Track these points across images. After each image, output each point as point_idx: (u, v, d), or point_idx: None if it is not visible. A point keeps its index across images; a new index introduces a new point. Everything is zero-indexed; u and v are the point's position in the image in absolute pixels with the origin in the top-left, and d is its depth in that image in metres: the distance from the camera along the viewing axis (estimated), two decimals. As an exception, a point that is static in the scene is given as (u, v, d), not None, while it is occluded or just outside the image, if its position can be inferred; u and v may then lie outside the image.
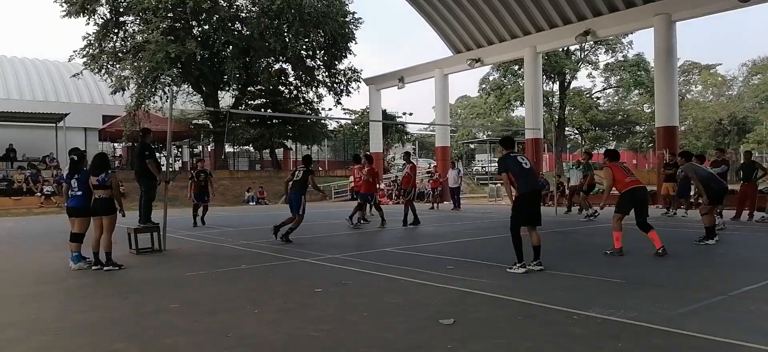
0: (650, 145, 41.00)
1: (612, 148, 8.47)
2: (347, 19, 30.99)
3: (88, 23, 28.20)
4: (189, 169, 15.62)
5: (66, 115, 28.97)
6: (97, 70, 28.58)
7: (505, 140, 7.04)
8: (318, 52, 31.73)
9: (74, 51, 29.44)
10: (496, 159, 40.45)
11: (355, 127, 43.78)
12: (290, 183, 10.34)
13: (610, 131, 47.69)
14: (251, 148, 39.34)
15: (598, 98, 45.14)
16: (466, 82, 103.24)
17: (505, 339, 3.90)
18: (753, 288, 5.34)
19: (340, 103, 33.55)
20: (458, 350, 3.69)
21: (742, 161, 14.22)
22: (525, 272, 6.35)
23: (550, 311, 4.66)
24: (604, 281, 5.91)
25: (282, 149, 40.04)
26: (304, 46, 29.98)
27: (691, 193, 15.10)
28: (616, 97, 46.64)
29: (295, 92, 34.29)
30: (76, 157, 7.60)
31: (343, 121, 44.57)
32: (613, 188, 7.94)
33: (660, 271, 6.61)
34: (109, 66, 28.44)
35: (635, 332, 3.99)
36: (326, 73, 32.70)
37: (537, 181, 6.90)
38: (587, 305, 4.74)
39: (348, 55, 32.07)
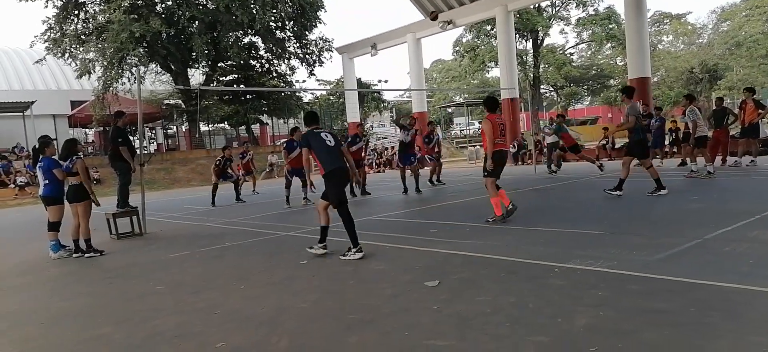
0: (622, 101, 41.52)
1: (493, 96, 7.70)
2: (315, -13, 30.48)
3: (47, 6, 27.28)
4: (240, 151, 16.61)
5: (32, 103, 28.22)
6: (60, 54, 27.78)
7: (309, 116, 6.34)
8: (287, 22, 31.19)
9: (35, 36, 28.56)
10: (477, 122, 40.38)
11: (331, 97, 43.43)
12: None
13: (585, 86, 48.08)
14: (227, 125, 38.84)
15: (571, 54, 45.39)
16: (440, 46, 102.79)
17: (489, 296, 3.97)
18: (727, 230, 5.50)
19: (314, 74, 33.24)
20: (444, 310, 3.75)
21: (713, 108, 14.50)
22: (324, 253, 5.95)
23: (531, 266, 4.75)
24: (583, 233, 6.03)
25: (258, 125, 39.63)
26: (273, 18, 29.41)
27: (666, 142, 15.46)
28: (589, 52, 46.96)
29: (266, 66, 33.79)
30: (37, 145, 7.43)
31: (318, 93, 44.16)
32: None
33: (637, 221, 6.77)
34: (72, 50, 27.64)
35: (614, 280, 4.10)
36: (297, 45, 32.24)
37: (341, 160, 5.99)
38: (567, 257, 4.84)
39: (318, 25, 31.65)
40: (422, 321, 3.57)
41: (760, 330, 2.98)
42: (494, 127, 7.09)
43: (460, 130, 43.14)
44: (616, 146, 19.91)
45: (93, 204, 7.49)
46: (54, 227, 7.40)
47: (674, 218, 6.63)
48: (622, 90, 9.41)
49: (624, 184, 8.91)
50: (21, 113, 28.97)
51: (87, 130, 34.09)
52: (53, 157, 7.39)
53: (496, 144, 7.12)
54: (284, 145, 11.65)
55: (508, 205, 7.25)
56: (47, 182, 7.27)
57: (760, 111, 12.07)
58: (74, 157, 7.34)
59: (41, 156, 7.35)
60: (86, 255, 7.25)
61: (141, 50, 26.88)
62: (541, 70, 41.38)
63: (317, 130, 6.07)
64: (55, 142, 7.75)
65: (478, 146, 26.69)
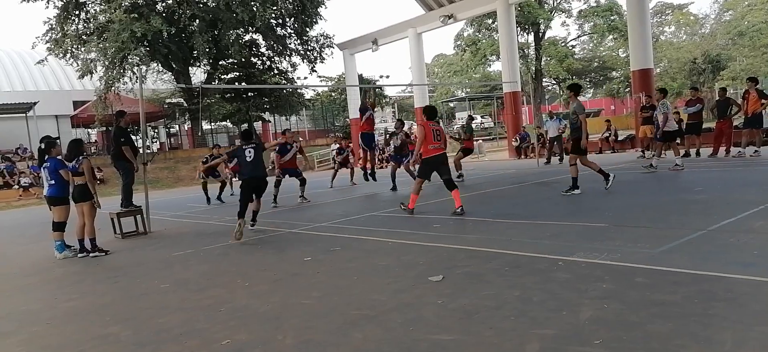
0: (627, 89, 41.35)
1: (431, 105, 8.79)
2: (315, -16, 30.45)
3: (48, 6, 27.35)
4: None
5: (35, 104, 28.32)
6: (61, 54, 27.85)
7: (243, 133, 8.75)
8: (288, 19, 31.17)
9: (37, 37, 28.65)
10: (475, 116, 40.13)
11: (332, 94, 43.42)
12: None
13: (587, 79, 47.91)
14: (229, 123, 38.89)
15: (573, 47, 45.20)
16: (442, 41, 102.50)
17: (493, 290, 3.97)
18: (731, 221, 5.49)
19: (315, 71, 33.38)
20: (448, 304, 3.75)
21: (716, 98, 14.44)
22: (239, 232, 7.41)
23: (536, 259, 4.75)
24: (587, 226, 6.02)
25: (260, 122, 39.66)
26: (273, 15, 29.39)
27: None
28: (591, 44, 46.75)
29: (268, 63, 33.79)
30: (42, 146, 7.44)
31: (319, 89, 44.16)
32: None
33: (641, 213, 6.75)
34: (73, 50, 27.72)
35: (619, 272, 4.10)
36: (298, 41, 32.23)
37: (259, 170, 7.93)
38: (572, 250, 4.84)
39: (319, 21, 31.62)
40: (426, 316, 3.58)
41: (765, 320, 2.98)
42: (428, 133, 7.81)
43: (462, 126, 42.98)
44: (620, 139, 19.87)
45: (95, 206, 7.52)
46: (59, 227, 7.42)
47: (678, 210, 6.62)
48: (570, 87, 9.56)
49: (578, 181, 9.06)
50: (24, 114, 29.06)
51: (89, 130, 34.21)
52: (59, 157, 7.42)
53: (430, 149, 7.85)
54: (276, 149, 11.59)
55: (458, 207, 7.71)
56: (53, 182, 7.29)
57: (763, 101, 12.01)
58: (80, 158, 7.37)
59: (47, 157, 7.37)
60: (91, 255, 7.27)
61: (142, 49, 26.91)
62: (543, 63, 41.24)
63: (244, 147, 8.02)
64: (58, 142, 7.73)
65: (480, 141, 26.64)
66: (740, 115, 12.89)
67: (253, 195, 8.03)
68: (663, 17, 45.84)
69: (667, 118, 11.14)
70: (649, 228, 5.62)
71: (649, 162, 11.04)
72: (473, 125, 15.61)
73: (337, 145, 16.94)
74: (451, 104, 50.61)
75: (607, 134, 19.90)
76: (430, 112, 8.21)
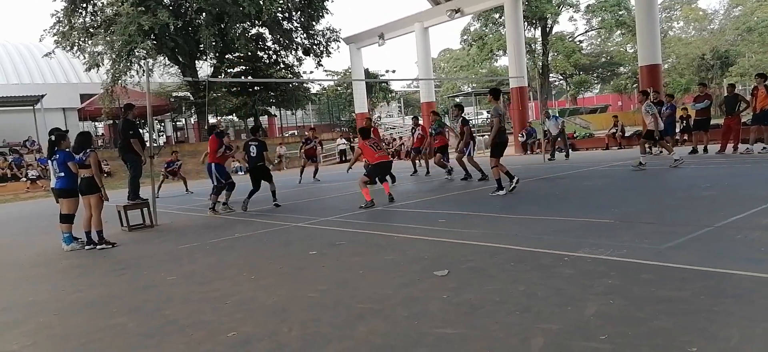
0: (635, 85, 41.14)
1: (365, 127, 10.30)
2: (322, -23, 30.40)
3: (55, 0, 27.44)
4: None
5: (42, 96, 28.46)
6: (68, 47, 27.95)
7: (252, 128, 11.06)
8: (294, 13, 31.14)
9: (44, 30, 28.75)
10: (486, 110, 40.16)
11: (338, 88, 43.41)
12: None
13: (595, 74, 47.72)
14: (235, 117, 38.96)
15: (580, 42, 45.05)
16: (448, 35, 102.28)
17: (498, 285, 3.97)
18: (738, 218, 5.45)
19: (321, 65, 33.20)
20: (453, 299, 3.76)
21: (725, 95, 14.35)
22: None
23: (541, 255, 4.74)
24: (593, 222, 6.01)
25: (266, 117, 39.70)
26: (280, 9, 29.37)
27: (677, 130, 15.36)
28: (599, 40, 46.57)
29: (274, 57, 33.80)
30: (53, 138, 7.48)
31: (325, 83, 44.14)
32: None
33: (647, 208, 6.73)
34: (80, 43, 27.81)
35: (625, 268, 4.08)
36: (304, 35, 32.20)
37: (259, 161, 10.07)
38: (577, 246, 4.83)
39: (325, 15, 31.57)
40: (431, 310, 3.58)
41: (772, 317, 2.96)
42: (366, 150, 9.33)
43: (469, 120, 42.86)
44: (627, 135, 19.79)
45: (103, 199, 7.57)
46: (67, 219, 7.46)
47: (685, 206, 6.59)
48: (490, 92, 9.81)
49: (510, 179, 9.15)
50: (31, 107, 29.22)
51: (96, 123, 34.33)
52: (68, 150, 7.46)
53: (376, 157, 9.18)
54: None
55: (369, 200, 8.90)
56: (62, 174, 7.33)
57: (772, 97, 11.91)
58: (88, 150, 7.41)
59: (56, 149, 7.42)
60: (98, 247, 7.32)
61: (149, 43, 26.96)
62: (550, 58, 41.13)
63: (250, 142, 10.14)
64: (68, 134, 7.77)
65: (486, 135, 26.55)
66: (749, 112, 12.79)
67: (260, 180, 10.26)
68: (672, 13, 45.53)
69: (656, 119, 11.15)
70: (655, 224, 5.60)
71: (639, 161, 11.05)
72: (446, 120, 15.05)
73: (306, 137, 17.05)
74: (458, 99, 50.54)
75: (613, 130, 19.82)
76: (364, 132, 9.81)
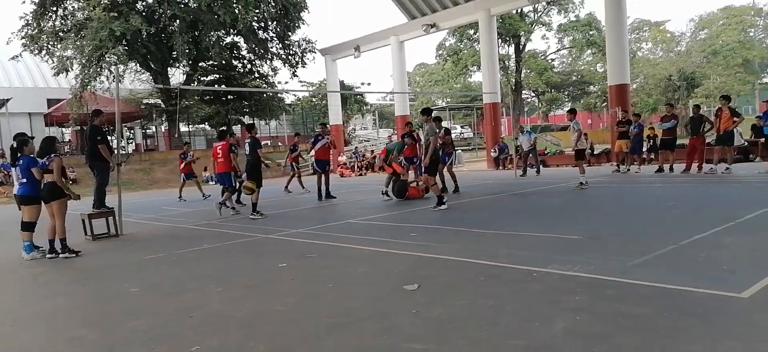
0: (604, 104, 42.02)
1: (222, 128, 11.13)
2: (299, -13, 30.35)
3: (24, 2, 26.78)
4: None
5: (8, 100, 27.71)
6: (37, 51, 27.28)
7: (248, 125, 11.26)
8: (270, 23, 31.00)
9: (12, 33, 28.02)
10: (459, 126, 40.41)
11: (313, 99, 43.29)
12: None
13: (566, 92, 48.60)
14: (207, 126, 38.46)
15: (552, 60, 45.86)
16: (424, 49, 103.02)
17: (468, 300, 3.98)
18: (702, 237, 5.59)
19: (296, 76, 33.04)
20: (423, 314, 3.75)
21: (690, 115, 14.75)
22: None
23: (510, 270, 4.78)
24: (562, 238, 6.08)
25: (240, 126, 39.30)
26: (255, 18, 29.19)
27: (644, 149, 15.73)
28: (570, 58, 47.46)
29: (248, 66, 33.54)
30: (14, 144, 7.26)
31: (300, 94, 43.98)
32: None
33: (614, 226, 6.85)
34: (49, 46, 27.16)
35: (591, 285, 4.14)
36: (280, 45, 32.04)
37: (249, 157, 10.18)
38: (546, 262, 4.88)
39: (301, 26, 31.50)
40: (401, 324, 3.56)
41: (732, 335, 3.03)
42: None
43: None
44: (596, 152, 20.17)
45: (72, 200, 7.36)
46: (28, 227, 7.23)
47: (651, 224, 6.73)
48: (422, 112, 10.16)
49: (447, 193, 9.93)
50: (-5, 110, 28.40)
51: (63, 129, 33.54)
52: (32, 155, 7.23)
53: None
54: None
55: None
56: (24, 180, 7.11)
57: (735, 119, 12.31)
58: (51, 155, 7.20)
59: (19, 155, 7.19)
60: (61, 255, 7.10)
61: (120, 48, 26.47)
62: (523, 75, 41.76)
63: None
64: (32, 140, 7.53)
65: (460, 150, 26.79)
66: (713, 133, 13.17)
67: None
68: (640, 34, 46.72)
69: (580, 137, 11.69)
70: (622, 241, 5.70)
71: (579, 182, 11.37)
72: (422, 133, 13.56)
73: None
74: (434, 113, 50.84)
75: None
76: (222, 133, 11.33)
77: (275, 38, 31.91)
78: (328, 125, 17.20)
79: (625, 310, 3.51)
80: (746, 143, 16.23)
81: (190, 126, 37.91)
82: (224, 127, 13.65)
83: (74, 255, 7.15)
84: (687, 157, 13.56)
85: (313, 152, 13.01)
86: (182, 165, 15.76)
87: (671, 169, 13.84)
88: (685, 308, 3.49)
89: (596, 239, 5.96)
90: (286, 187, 16.07)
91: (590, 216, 7.72)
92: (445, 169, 12.41)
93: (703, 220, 6.59)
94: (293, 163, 16.24)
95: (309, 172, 19.00)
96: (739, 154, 15.31)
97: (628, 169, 14.81)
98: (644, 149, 15.80)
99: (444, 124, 26.65)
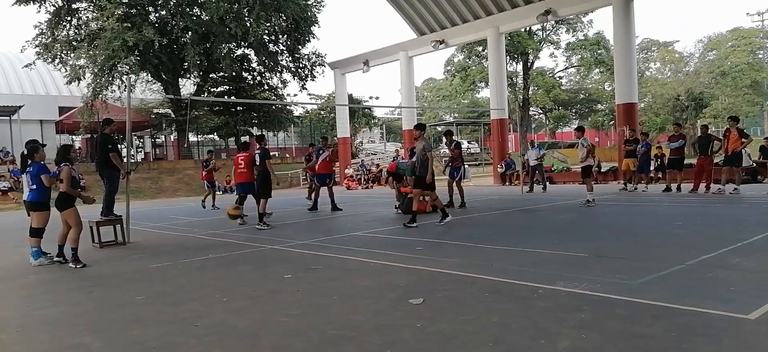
0: (612, 122, 41.92)
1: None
2: (309, 2, 30.58)
3: (39, 11, 27.16)
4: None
5: (20, 107, 28.01)
6: (50, 59, 27.61)
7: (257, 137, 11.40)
8: (280, 36, 31.25)
9: (27, 41, 28.38)
10: (466, 141, 40.34)
11: (321, 112, 43.46)
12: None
13: (573, 110, 48.57)
14: (216, 136, 38.69)
15: (560, 78, 45.87)
16: (432, 65, 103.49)
17: (473, 315, 3.96)
18: (709, 257, 5.55)
19: (305, 88, 33.20)
20: (427, 328, 3.73)
21: (698, 135, 14.69)
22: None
23: (516, 286, 4.76)
24: (568, 255, 6.05)
25: (248, 137, 39.50)
26: (266, 31, 29.45)
27: (651, 168, 15.66)
28: (578, 76, 47.48)
29: (258, 78, 33.78)
30: (25, 151, 7.32)
31: (309, 107, 44.17)
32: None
33: (621, 244, 6.81)
34: (63, 55, 27.50)
35: (599, 303, 4.11)
36: (290, 58, 32.26)
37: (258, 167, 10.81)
38: (552, 279, 4.85)
39: (311, 40, 31.73)
40: (405, 338, 3.55)
41: (740, 356, 3.00)
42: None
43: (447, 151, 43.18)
44: (603, 170, 20.08)
45: (86, 204, 7.41)
46: (37, 233, 7.27)
47: (658, 243, 6.68)
48: (416, 127, 10.05)
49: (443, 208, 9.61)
50: (8, 117, 28.69)
51: (74, 136, 33.80)
52: (42, 162, 7.29)
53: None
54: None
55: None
56: (34, 187, 7.16)
57: (743, 140, 12.25)
58: (62, 165, 7.24)
59: (30, 161, 7.25)
60: (70, 264, 7.07)
61: (133, 59, 26.74)
62: (530, 92, 41.80)
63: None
64: (42, 147, 7.57)
65: (467, 165, 26.76)
66: (721, 153, 13.11)
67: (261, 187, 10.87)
68: (649, 54, 46.70)
69: (588, 154, 11.56)
70: (628, 260, 5.66)
71: (586, 199, 11.28)
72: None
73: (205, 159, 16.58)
74: (439, 128, 50.94)
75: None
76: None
77: (285, 51, 32.16)
78: (328, 138, 17.12)
79: (631, 329, 3.48)
80: (754, 164, 16.12)
81: (200, 136, 38.13)
82: (247, 138, 13.73)
83: (82, 266, 7.14)
84: (695, 177, 13.49)
85: (309, 165, 13.37)
86: (204, 173, 15.78)
87: (679, 188, 13.76)
88: (693, 328, 3.46)
89: (603, 256, 5.93)
90: (309, 196, 15.80)
91: (597, 234, 7.68)
92: (455, 183, 12.44)
93: (711, 240, 6.55)
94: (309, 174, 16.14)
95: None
96: (748, 175, 15.20)
97: (636, 188, 14.74)
98: (652, 168, 15.73)
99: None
